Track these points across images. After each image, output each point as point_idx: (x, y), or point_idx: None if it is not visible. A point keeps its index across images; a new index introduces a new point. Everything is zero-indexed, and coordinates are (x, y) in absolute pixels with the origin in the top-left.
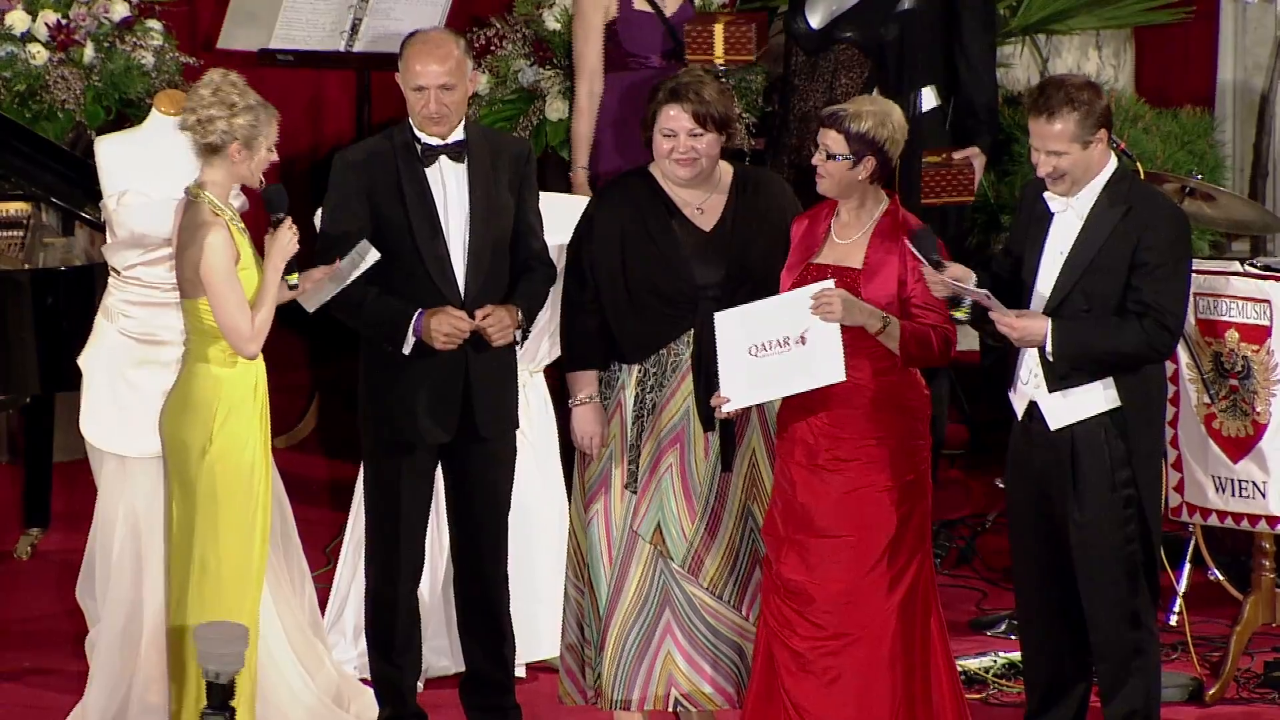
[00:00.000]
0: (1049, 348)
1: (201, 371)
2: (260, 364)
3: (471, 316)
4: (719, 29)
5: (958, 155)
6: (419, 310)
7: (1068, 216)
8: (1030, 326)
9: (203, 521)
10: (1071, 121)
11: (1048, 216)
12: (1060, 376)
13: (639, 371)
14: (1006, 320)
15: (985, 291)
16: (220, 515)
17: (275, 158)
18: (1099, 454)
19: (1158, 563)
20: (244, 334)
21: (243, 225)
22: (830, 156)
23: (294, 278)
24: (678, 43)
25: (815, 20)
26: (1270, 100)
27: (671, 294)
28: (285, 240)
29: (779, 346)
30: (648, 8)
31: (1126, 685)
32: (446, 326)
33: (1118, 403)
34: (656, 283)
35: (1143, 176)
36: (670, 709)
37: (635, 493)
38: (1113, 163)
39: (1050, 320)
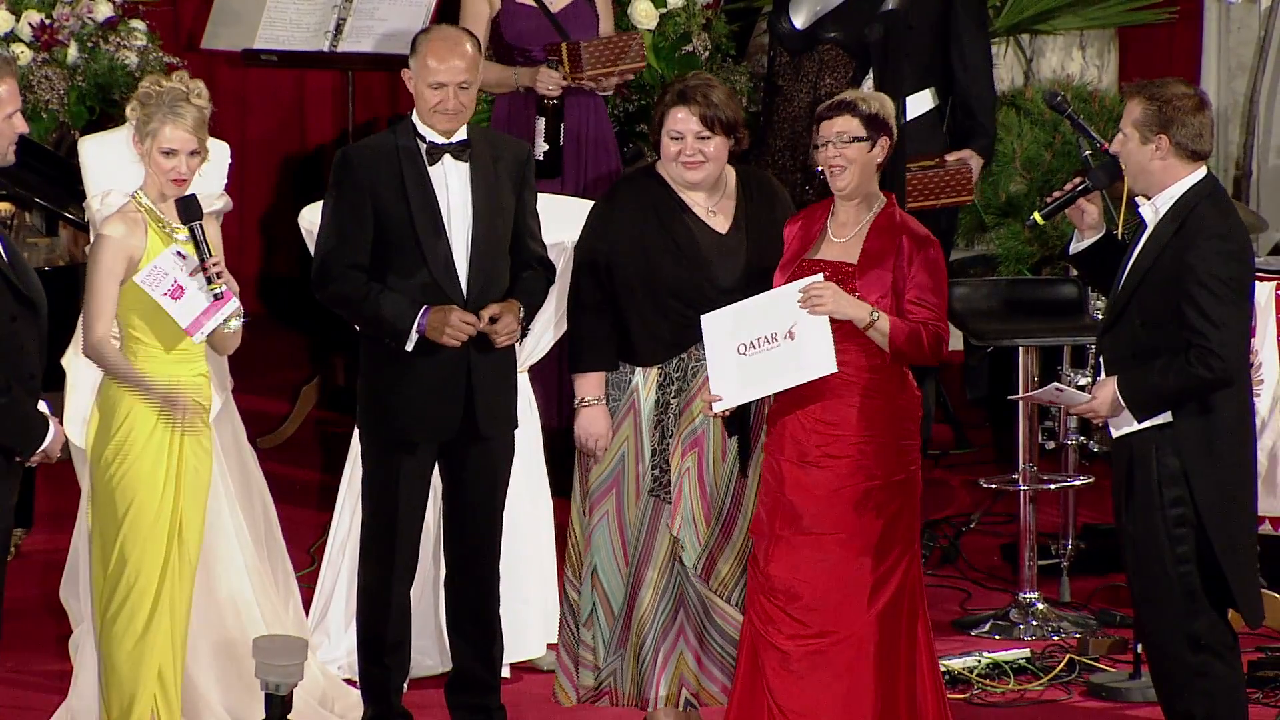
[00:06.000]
0: (1125, 406)
1: (110, 378)
2: (187, 378)
3: (475, 315)
4: (565, 47)
5: (951, 158)
6: (424, 307)
7: (1149, 229)
8: (1105, 396)
9: (105, 532)
10: (1138, 108)
11: (1142, 226)
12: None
13: (658, 374)
14: (1084, 407)
15: (1054, 385)
16: (124, 526)
17: (182, 169)
18: (1147, 468)
19: (1238, 585)
20: (86, 333)
21: (165, 223)
22: (850, 140)
23: (216, 287)
24: (564, 35)
25: (799, 20)
26: (1254, 101)
27: (695, 297)
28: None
29: (767, 343)
30: (530, 1)
31: (1184, 711)
32: (454, 323)
33: (1166, 419)
34: (679, 285)
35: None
36: (681, 708)
37: (659, 497)
38: (1191, 180)
39: (1114, 380)
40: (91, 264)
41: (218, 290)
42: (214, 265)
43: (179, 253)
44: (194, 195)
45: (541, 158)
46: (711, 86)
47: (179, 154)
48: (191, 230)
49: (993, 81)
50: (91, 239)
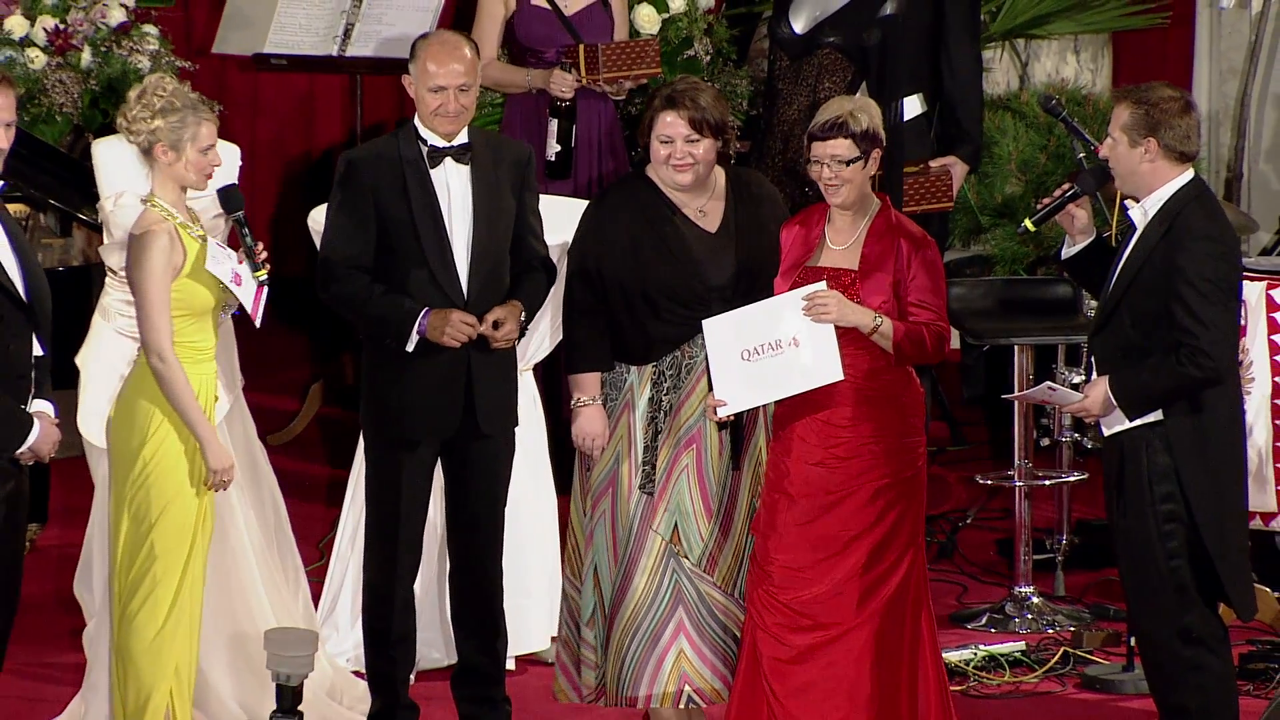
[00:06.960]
0: (1117, 405)
1: (143, 375)
2: (209, 376)
3: (477, 317)
4: (582, 49)
5: (935, 164)
6: (425, 309)
7: (1138, 231)
8: (1097, 395)
9: (135, 527)
10: (1126, 112)
11: (1132, 229)
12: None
13: (653, 373)
14: (1076, 406)
15: (1047, 384)
16: (158, 523)
17: (218, 161)
18: (1138, 465)
19: (1229, 579)
20: (153, 347)
21: (200, 231)
22: (847, 162)
23: (262, 273)
24: (577, 39)
25: (799, 25)
26: (1244, 104)
27: (686, 296)
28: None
29: (772, 349)
30: (544, 4)
31: (1177, 704)
32: (454, 323)
33: (1157, 416)
34: (670, 285)
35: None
36: (683, 706)
37: (652, 495)
38: (1179, 182)
39: (1106, 380)
40: (142, 276)
41: (262, 277)
42: (262, 252)
43: (219, 245)
44: (234, 184)
45: (553, 159)
46: (699, 90)
47: (214, 147)
48: (237, 220)
49: (981, 88)
50: (104, 240)
